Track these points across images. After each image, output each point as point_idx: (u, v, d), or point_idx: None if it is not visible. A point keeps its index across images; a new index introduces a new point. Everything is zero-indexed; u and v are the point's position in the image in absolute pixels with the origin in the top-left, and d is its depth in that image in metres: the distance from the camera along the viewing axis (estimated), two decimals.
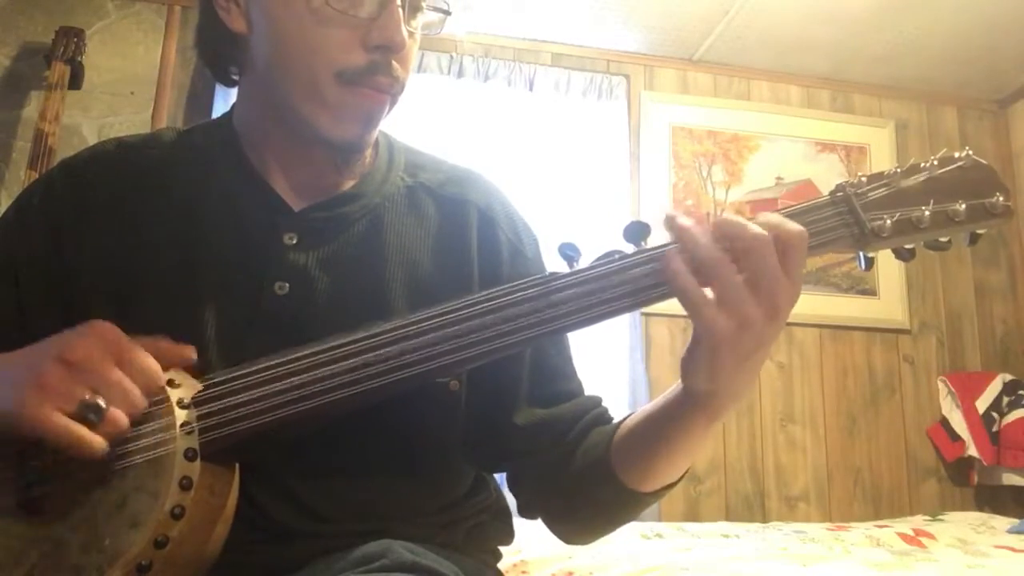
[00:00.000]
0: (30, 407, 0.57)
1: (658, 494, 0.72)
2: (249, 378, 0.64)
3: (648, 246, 0.63)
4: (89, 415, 0.57)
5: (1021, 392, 2.70)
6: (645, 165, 2.82)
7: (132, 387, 0.60)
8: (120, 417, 0.58)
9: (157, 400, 0.62)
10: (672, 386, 0.66)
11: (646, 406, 0.71)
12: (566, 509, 0.80)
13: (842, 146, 2.98)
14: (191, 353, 0.66)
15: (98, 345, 0.60)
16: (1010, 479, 2.65)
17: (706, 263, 0.57)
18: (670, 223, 0.59)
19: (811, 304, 2.75)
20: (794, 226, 0.58)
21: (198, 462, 0.60)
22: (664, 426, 0.67)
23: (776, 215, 0.60)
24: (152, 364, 0.62)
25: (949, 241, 0.64)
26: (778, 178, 2.91)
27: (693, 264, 0.57)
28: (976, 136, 3.12)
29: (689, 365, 0.61)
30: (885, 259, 0.66)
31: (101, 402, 0.57)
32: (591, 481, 0.74)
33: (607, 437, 0.74)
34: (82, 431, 0.57)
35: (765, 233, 0.57)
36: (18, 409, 0.58)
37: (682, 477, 0.72)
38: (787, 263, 0.57)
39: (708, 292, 0.57)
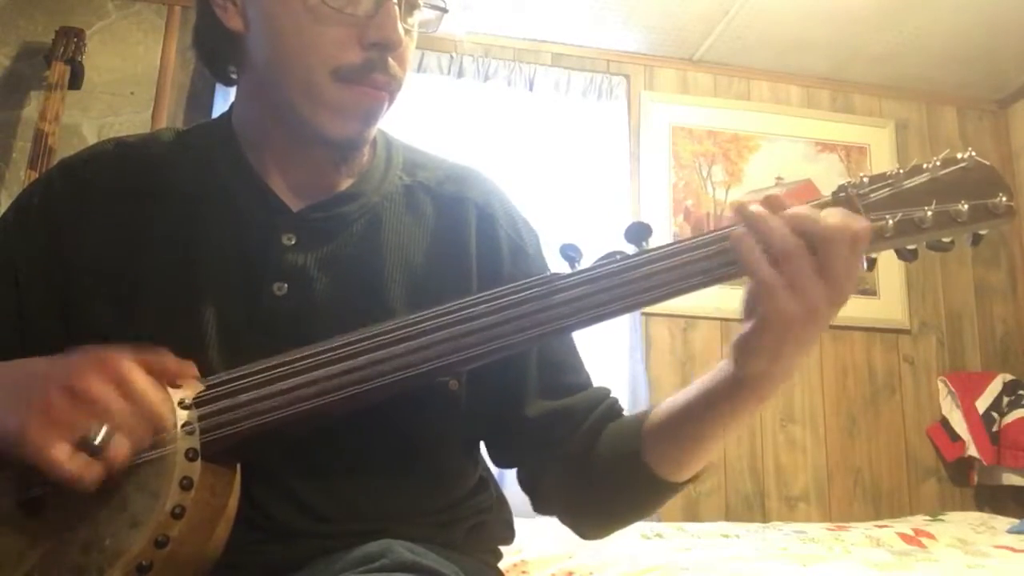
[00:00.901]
0: (32, 433, 0.57)
1: (685, 484, 0.73)
2: (250, 379, 0.64)
3: (649, 247, 0.63)
4: (90, 449, 0.57)
5: (1021, 392, 2.70)
6: (645, 165, 2.82)
7: (138, 425, 0.59)
8: (121, 454, 0.58)
9: None
10: (709, 374, 0.67)
11: (676, 397, 0.71)
12: (591, 503, 0.80)
13: (842, 146, 2.98)
14: (193, 370, 0.66)
15: (109, 378, 0.60)
16: (1010, 479, 2.65)
17: (783, 250, 0.57)
18: (743, 211, 0.60)
19: None
20: (863, 222, 0.59)
21: (199, 462, 0.60)
22: (704, 414, 0.67)
23: (841, 210, 0.60)
24: (161, 406, 0.61)
25: (952, 242, 0.64)
26: (778, 178, 2.91)
27: (765, 250, 0.58)
28: (976, 136, 3.11)
29: (748, 349, 0.61)
30: (885, 259, 0.66)
31: (102, 437, 0.57)
32: (621, 474, 0.74)
33: (634, 430, 0.74)
34: (75, 467, 0.56)
35: (840, 223, 0.58)
36: (22, 433, 0.57)
37: (706, 468, 0.73)
38: (854, 255, 0.59)
39: None
